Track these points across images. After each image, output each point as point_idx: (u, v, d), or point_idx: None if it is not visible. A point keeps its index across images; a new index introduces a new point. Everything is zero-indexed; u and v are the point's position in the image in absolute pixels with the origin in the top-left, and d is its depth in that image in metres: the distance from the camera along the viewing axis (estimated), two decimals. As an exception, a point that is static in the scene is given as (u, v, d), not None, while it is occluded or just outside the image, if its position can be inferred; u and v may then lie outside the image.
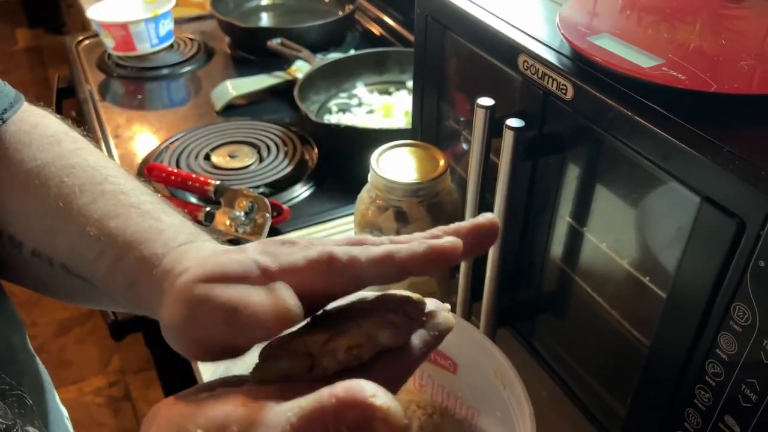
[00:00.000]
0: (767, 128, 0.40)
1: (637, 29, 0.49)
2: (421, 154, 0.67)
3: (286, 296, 0.31)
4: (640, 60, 0.44)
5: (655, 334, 0.45)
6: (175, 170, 0.96)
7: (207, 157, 1.03)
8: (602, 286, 0.52)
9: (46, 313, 2.08)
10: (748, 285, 0.37)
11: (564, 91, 0.47)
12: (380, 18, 1.46)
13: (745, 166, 0.36)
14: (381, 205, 0.66)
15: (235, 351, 0.31)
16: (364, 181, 0.68)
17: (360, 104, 1.13)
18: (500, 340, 0.56)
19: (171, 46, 1.39)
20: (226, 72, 1.32)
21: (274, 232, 0.89)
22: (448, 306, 0.35)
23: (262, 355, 0.32)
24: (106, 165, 0.44)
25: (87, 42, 1.43)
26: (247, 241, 0.86)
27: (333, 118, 1.09)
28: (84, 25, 1.71)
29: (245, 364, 0.33)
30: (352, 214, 0.73)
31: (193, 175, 0.93)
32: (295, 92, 1.06)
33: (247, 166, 1.01)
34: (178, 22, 1.46)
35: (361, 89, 1.16)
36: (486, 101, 0.51)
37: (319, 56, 1.22)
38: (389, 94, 1.16)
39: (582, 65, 0.47)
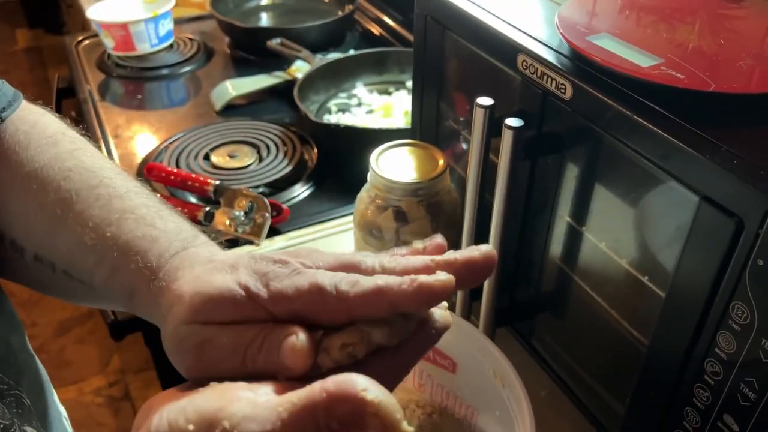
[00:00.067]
0: (766, 127, 0.40)
1: (636, 29, 0.49)
2: (421, 154, 0.67)
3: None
4: (639, 59, 0.44)
5: (654, 333, 0.45)
6: (175, 170, 0.96)
7: (206, 157, 1.03)
8: (601, 286, 0.52)
9: (46, 313, 2.08)
10: (747, 284, 0.37)
11: (563, 91, 0.47)
12: (380, 18, 1.46)
13: (744, 165, 0.36)
14: (380, 205, 0.66)
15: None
16: (364, 181, 0.68)
17: (359, 104, 1.13)
18: (499, 340, 0.56)
19: (171, 46, 1.39)
20: (225, 72, 1.32)
21: (273, 231, 0.89)
22: (445, 304, 0.34)
23: None
24: (103, 166, 0.44)
25: (87, 42, 1.43)
26: (247, 241, 0.86)
27: (333, 118, 1.09)
28: (84, 25, 1.71)
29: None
30: (351, 213, 0.73)
31: (193, 175, 0.93)
32: (295, 92, 1.06)
33: (247, 166, 1.01)
34: (178, 22, 1.46)
35: (360, 89, 1.16)
36: (485, 101, 0.52)
37: (318, 56, 1.22)
38: (389, 94, 1.16)
39: (581, 65, 0.47)
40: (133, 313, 0.40)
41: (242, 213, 0.87)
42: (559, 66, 0.47)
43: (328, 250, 0.35)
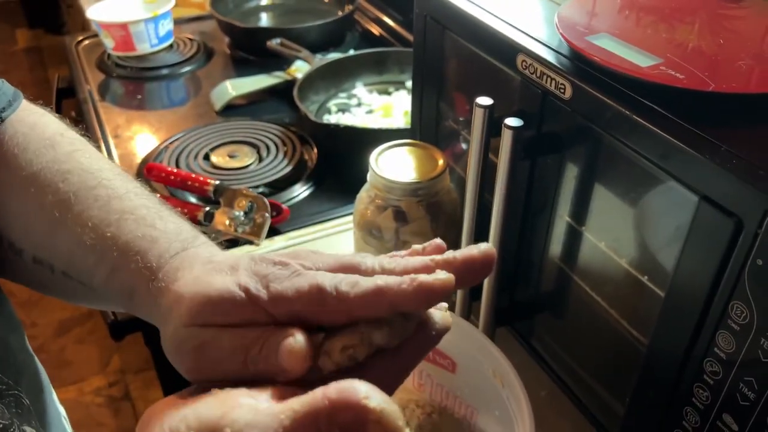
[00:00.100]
0: (765, 127, 0.40)
1: (635, 29, 0.49)
2: (420, 154, 0.67)
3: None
4: (638, 59, 0.44)
5: (653, 333, 0.45)
6: (175, 170, 0.96)
7: (206, 157, 1.03)
8: (601, 286, 0.52)
9: (45, 313, 2.08)
10: (746, 283, 0.37)
11: (563, 91, 0.47)
12: (380, 18, 1.46)
13: (743, 165, 0.36)
14: (380, 205, 0.66)
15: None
16: (364, 181, 0.68)
17: (359, 104, 1.13)
18: (499, 340, 0.56)
19: (171, 46, 1.39)
20: (225, 72, 1.32)
21: (273, 231, 0.89)
22: (445, 305, 0.34)
23: None
24: (101, 167, 0.44)
25: (87, 42, 1.43)
26: (247, 241, 0.87)
27: (332, 118, 1.09)
28: (84, 25, 1.71)
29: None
30: (351, 213, 0.73)
31: (193, 175, 0.93)
32: (295, 92, 1.06)
33: (247, 166, 1.01)
34: (178, 22, 1.46)
35: (360, 89, 1.16)
36: (485, 101, 0.52)
37: (318, 56, 1.22)
38: (388, 94, 1.16)
39: (580, 65, 0.47)
40: (133, 314, 0.40)
41: (242, 213, 0.87)
42: (558, 66, 0.47)
43: (328, 250, 0.35)
